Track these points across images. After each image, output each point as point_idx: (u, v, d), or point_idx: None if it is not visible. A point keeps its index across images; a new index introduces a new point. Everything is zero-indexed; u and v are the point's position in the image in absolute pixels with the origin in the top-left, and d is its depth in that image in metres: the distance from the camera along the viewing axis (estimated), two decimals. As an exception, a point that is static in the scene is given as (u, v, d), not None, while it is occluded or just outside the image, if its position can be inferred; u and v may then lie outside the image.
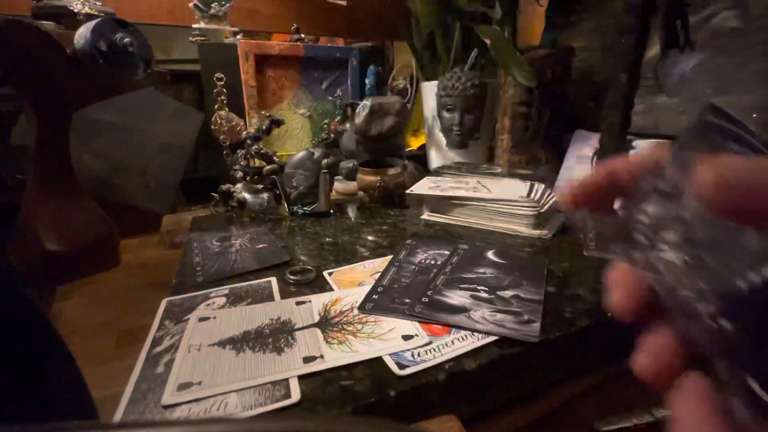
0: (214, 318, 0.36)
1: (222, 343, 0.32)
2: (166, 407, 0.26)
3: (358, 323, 0.35)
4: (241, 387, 0.28)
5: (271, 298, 0.40)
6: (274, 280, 0.44)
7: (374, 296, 0.39)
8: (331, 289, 0.42)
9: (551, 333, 0.33)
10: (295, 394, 0.27)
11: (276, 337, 0.33)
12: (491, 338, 0.32)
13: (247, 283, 0.43)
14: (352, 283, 0.43)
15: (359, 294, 0.40)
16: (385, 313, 0.36)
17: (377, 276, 0.43)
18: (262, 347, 0.32)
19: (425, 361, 0.30)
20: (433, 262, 0.46)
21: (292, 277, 0.44)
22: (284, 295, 0.41)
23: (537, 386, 0.36)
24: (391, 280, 0.42)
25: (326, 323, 0.35)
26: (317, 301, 0.39)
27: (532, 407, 0.36)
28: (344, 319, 0.36)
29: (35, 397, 0.22)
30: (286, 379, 0.28)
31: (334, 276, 0.45)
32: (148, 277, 0.56)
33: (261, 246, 0.53)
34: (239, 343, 0.32)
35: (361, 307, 0.37)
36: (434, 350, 0.31)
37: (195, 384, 0.28)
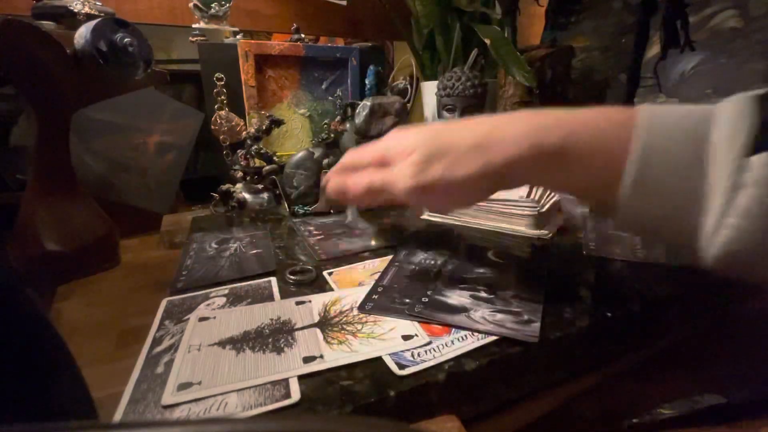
0: (214, 318, 0.36)
1: (222, 343, 0.32)
2: (166, 407, 0.26)
3: (358, 323, 0.35)
4: (241, 387, 0.28)
5: (271, 298, 0.40)
6: (274, 280, 0.44)
7: (374, 296, 0.39)
8: (331, 289, 0.42)
9: (551, 333, 0.33)
10: (295, 394, 0.27)
11: (276, 337, 0.33)
12: (491, 338, 0.33)
13: (247, 283, 0.43)
14: (352, 283, 0.43)
15: (359, 294, 0.40)
16: (385, 313, 0.36)
17: (377, 276, 0.44)
18: (262, 347, 0.32)
19: (425, 361, 0.30)
20: (433, 262, 0.46)
21: (292, 277, 0.44)
22: (284, 295, 0.41)
23: (537, 386, 0.36)
24: (391, 280, 0.42)
25: (326, 323, 0.35)
26: (317, 301, 0.39)
27: (532, 407, 0.36)
28: (344, 319, 0.36)
29: (35, 397, 0.21)
30: (286, 379, 0.28)
31: (334, 276, 0.45)
32: (148, 277, 0.56)
33: (255, 252, 0.52)
34: (239, 343, 0.32)
35: (361, 307, 0.37)
36: (434, 350, 0.31)
37: (195, 384, 0.28)
